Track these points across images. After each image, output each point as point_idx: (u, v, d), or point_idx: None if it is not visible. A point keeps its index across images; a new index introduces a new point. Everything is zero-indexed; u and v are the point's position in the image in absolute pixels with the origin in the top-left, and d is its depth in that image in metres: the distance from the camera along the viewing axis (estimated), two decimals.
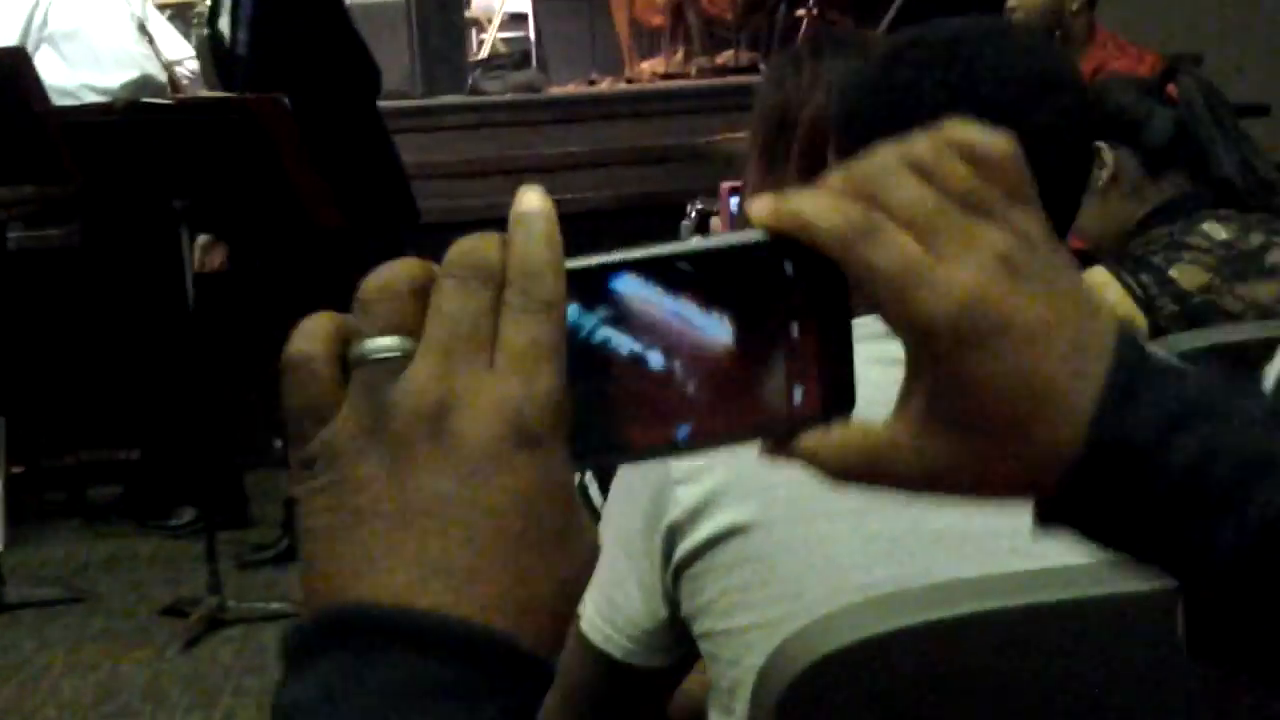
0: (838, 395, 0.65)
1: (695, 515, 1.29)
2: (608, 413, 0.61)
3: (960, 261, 0.62)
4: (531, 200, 0.59)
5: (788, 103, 2.03)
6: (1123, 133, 2.58)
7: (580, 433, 0.59)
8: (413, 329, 0.57)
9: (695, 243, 0.62)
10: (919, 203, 0.62)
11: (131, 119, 4.21)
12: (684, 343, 0.61)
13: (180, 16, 6.23)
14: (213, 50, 4.72)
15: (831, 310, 0.64)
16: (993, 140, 0.65)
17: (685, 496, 1.29)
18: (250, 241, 4.76)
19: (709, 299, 0.62)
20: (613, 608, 1.37)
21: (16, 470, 5.01)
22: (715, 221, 2.98)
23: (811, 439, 0.64)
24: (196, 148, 4.15)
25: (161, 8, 6.36)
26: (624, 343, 0.60)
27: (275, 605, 4.30)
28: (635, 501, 1.34)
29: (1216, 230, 2.45)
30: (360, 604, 0.55)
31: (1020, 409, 0.62)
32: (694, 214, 3.14)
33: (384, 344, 0.57)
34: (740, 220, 2.32)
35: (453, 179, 6.14)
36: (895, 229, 0.62)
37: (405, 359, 0.57)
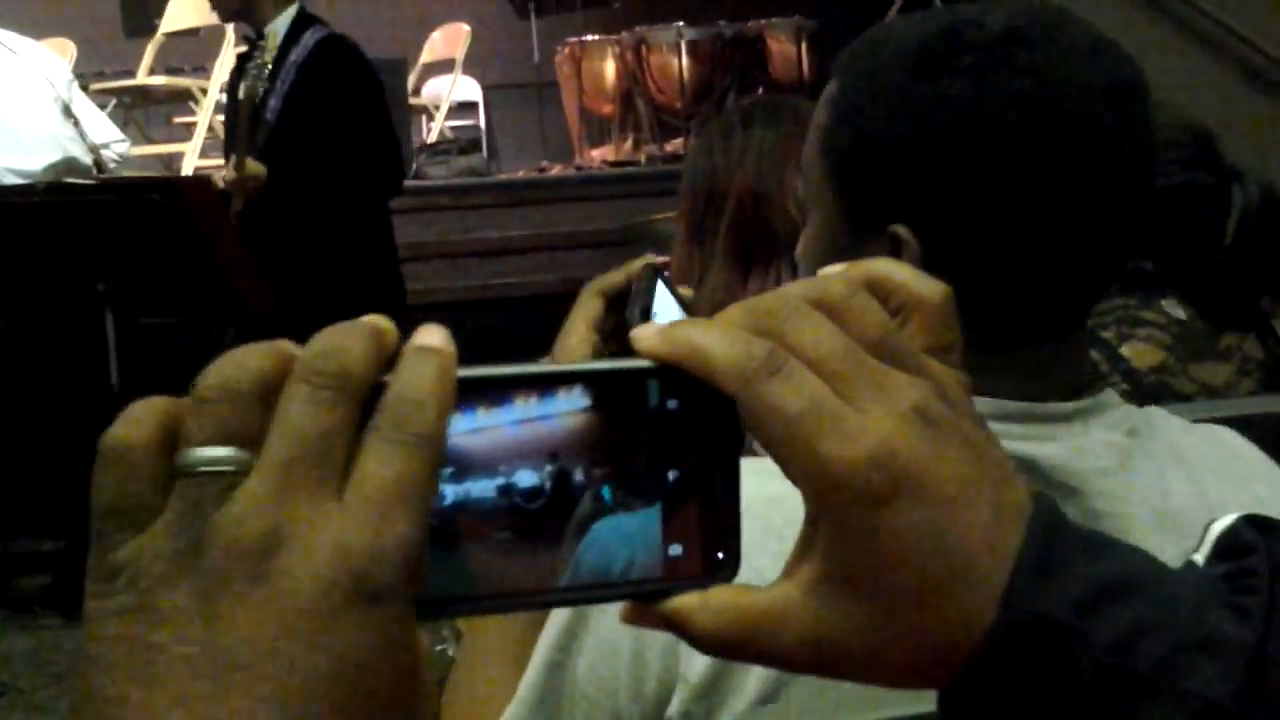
0: (720, 555, 0.56)
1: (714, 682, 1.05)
2: (453, 559, 0.53)
3: (872, 409, 0.55)
4: (432, 335, 0.51)
5: (715, 172, 1.95)
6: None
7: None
8: (254, 437, 0.49)
9: (566, 366, 0.54)
10: (828, 343, 0.55)
11: (52, 200, 4.13)
12: (543, 482, 0.53)
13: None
14: (246, 110, 4.59)
15: (718, 458, 0.56)
16: (927, 285, 0.58)
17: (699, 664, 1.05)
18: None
19: (576, 433, 0.53)
20: None
21: None
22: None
23: (681, 602, 0.56)
24: (121, 229, 4.09)
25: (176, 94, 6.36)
26: (474, 479, 0.53)
27: None
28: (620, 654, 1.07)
29: (1175, 308, 2.35)
30: None
31: (928, 575, 0.55)
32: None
33: (214, 455, 0.49)
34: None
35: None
36: (802, 369, 0.54)
37: (238, 475, 0.49)
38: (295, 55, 4.54)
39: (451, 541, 0.52)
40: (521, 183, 7.62)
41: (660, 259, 2.69)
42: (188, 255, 4.07)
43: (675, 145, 8.42)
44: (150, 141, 7.52)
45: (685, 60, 8.43)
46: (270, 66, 4.52)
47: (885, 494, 0.54)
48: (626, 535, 0.55)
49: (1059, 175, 1.07)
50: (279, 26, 4.58)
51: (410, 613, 0.49)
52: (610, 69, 8.58)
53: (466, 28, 8.78)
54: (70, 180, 4.46)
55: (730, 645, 0.56)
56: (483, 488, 0.52)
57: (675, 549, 0.56)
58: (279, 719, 0.47)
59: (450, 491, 0.52)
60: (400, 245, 6.24)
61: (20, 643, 4.85)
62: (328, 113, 4.45)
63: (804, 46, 8.49)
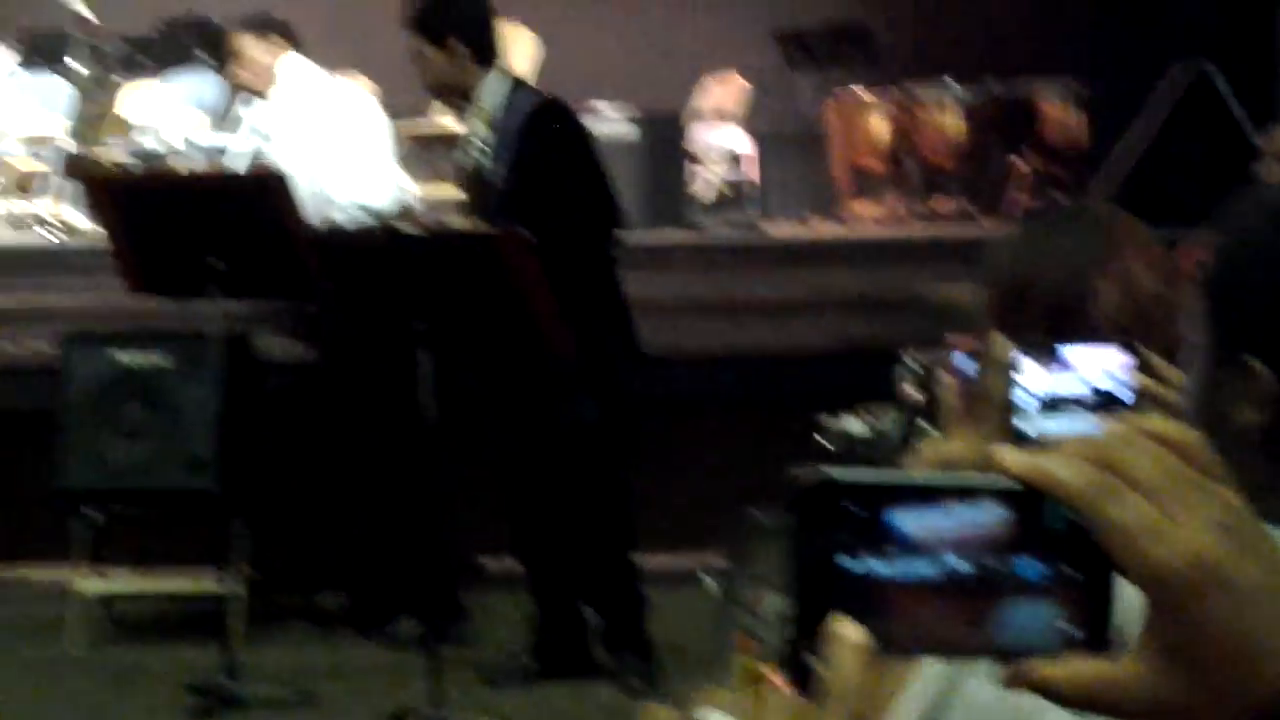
0: (1100, 633, 0.73)
1: None
2: (897, 614, 0.71)
3: (1189, 524, 0.69)
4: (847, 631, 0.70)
5: (1024, 279, 2.07)
6: None
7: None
8: None
9: (986, 480, 0.72)
10: (1152, 469, 0.70)
11: (384, 244, 4.48)
12: (968, 567, 0.72)
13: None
14: (470, 178, 4.99)
15: (1095, 557, 0.72)
16: (1180, 431, 0.74)
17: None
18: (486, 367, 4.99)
19: (995, 530, 0.72)
20: None
21: (253, 575, 5.19)
22: (945, 377, 2.98)
23: (1050, 669, 0.72)
24: (441, 274, 4.41)
25: (425, 138, 6.81)
26: (914, 559, 0.71)
27: None
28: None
29: None
30: None
31: (1239, 651, 0.70)
32: (919, 368, 3.15)
33: None
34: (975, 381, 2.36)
35: (676, 315, 6.26)
36: (1131, 491, 0.69)
37: None
38: (512, 122, 4.87)
39: (895, 603, 0.71)
40: (795, 244, 7.80)
41: (963, 339, 2.80)
42: (501, 302, 4.39)
43: (943, 206, 8.47)
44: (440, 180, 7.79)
45: (956, 120, 8.50)
46: (487, 133, 4.86)
47: (1202, 592, 0.69)
48: (1032, 613, 0.72)
49: None
50: (488, 95, 4.93)
51: None
52: (879, 124, 8.62)
53: (744, 83, 8.88)
54: (403, 227, 4.82)
55: (1085, 704, 0.73)
56: (919, 566, 0.71)
57: (1064, 625, 0.73)
58: None
59: (900, 565, 0.71)
60: (680, 298, 6.48)
61: (320, 655, 5.17)
62: (549, 174, 4.78)
63: (1076, 110, 8.49)
